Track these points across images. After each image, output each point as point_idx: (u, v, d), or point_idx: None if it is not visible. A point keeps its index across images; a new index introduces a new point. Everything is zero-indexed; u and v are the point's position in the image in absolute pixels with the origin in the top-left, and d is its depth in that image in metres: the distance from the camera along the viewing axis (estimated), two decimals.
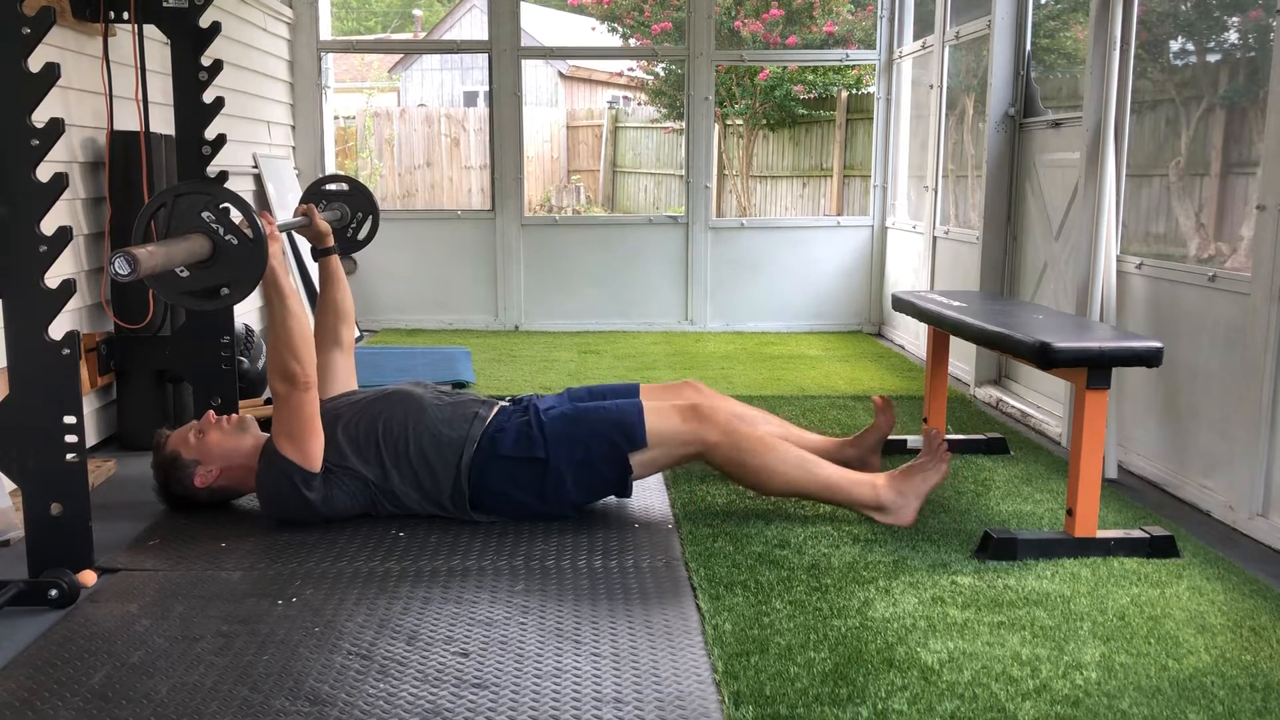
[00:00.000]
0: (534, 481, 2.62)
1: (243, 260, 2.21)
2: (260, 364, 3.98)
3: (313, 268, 5.27)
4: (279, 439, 2.54)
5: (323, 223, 3.06)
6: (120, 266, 1.92)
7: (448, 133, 13.92)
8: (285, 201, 5.29)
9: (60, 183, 2.17)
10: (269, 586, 2.28)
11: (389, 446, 2.62)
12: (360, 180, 3.41)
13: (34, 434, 2.20)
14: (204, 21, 3.21)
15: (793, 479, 2.67)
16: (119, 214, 3.31)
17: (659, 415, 2.65)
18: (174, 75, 3.19)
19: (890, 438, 3.34)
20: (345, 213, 3.35)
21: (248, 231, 2.21)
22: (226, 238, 2.19)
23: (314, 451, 2.55)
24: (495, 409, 2.73)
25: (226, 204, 2.20)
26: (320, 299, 3.07)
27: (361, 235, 3.42)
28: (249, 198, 5.00)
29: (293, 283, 2.44)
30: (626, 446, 2.62)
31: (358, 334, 5.37)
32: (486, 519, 2.70)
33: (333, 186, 3.38)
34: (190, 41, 3.18)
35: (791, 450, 2.68)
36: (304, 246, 5.26)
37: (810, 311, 6.20)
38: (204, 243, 2.17)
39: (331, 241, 3.10)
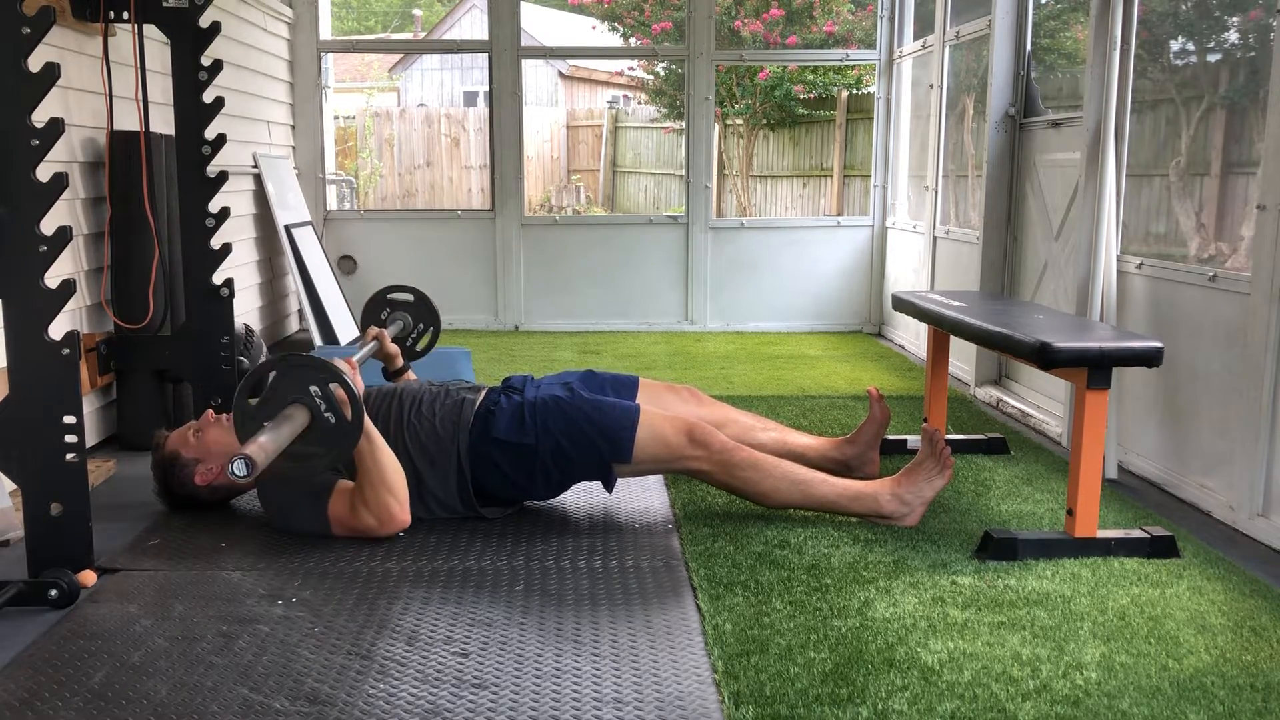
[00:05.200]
0: (524, 464, 2.62)
1: (336, 438, 2.28)
2: (260, 362, 3.98)
3: (321, 275, 5.27)
4: (335, 522, 2.52)
5: (391, 345, 3.14)
6: (239, 470, 1.98)
7: (448, 133, 13.92)
8: (285, 201, 5.29)
9: (60, 183, 2.17)
10: (269, 586, 2.28)
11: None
12: (422, 291, 3.50)
13: (34, 434, 2.20)
14: (204, 21, 3.21)
15: (790, 501, 2.68)
16: (119, 214, 3.32)
17: (651, 433, 2.60)
18: (174, 75, 3.19)
19: (890, 437, 3.35)
20: (407, 324, 3.45)
21: (347, 412, 2.27)
22: (326, 414, 2.26)
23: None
24: (483, 392, 2.73)
25: (334, 382, 2.26)
26: None
27: (420, 346, 3.49)
28: (249, 198, 5.00)
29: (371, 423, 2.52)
30: (610, 457, 2.61)
31: (356, 335, 5.37)
32: (493, 512, 2.70)
33: (396, 295, 3.46)
34: (190, 41, 3.18)
35: (788, 473, 2.66)
36: (318, 257, 5.27)
37: (810, 311, 6.20)
38: (304, 417, 2.24)
39: (401, 361, 3.17)
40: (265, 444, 2.07)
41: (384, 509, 2.48)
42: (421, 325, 3.48)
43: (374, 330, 3.17)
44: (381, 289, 3.50)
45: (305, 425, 2.24)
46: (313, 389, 2.26)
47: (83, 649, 1.99)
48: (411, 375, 3.21)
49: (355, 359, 2.73)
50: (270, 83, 5.43)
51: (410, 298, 3.46)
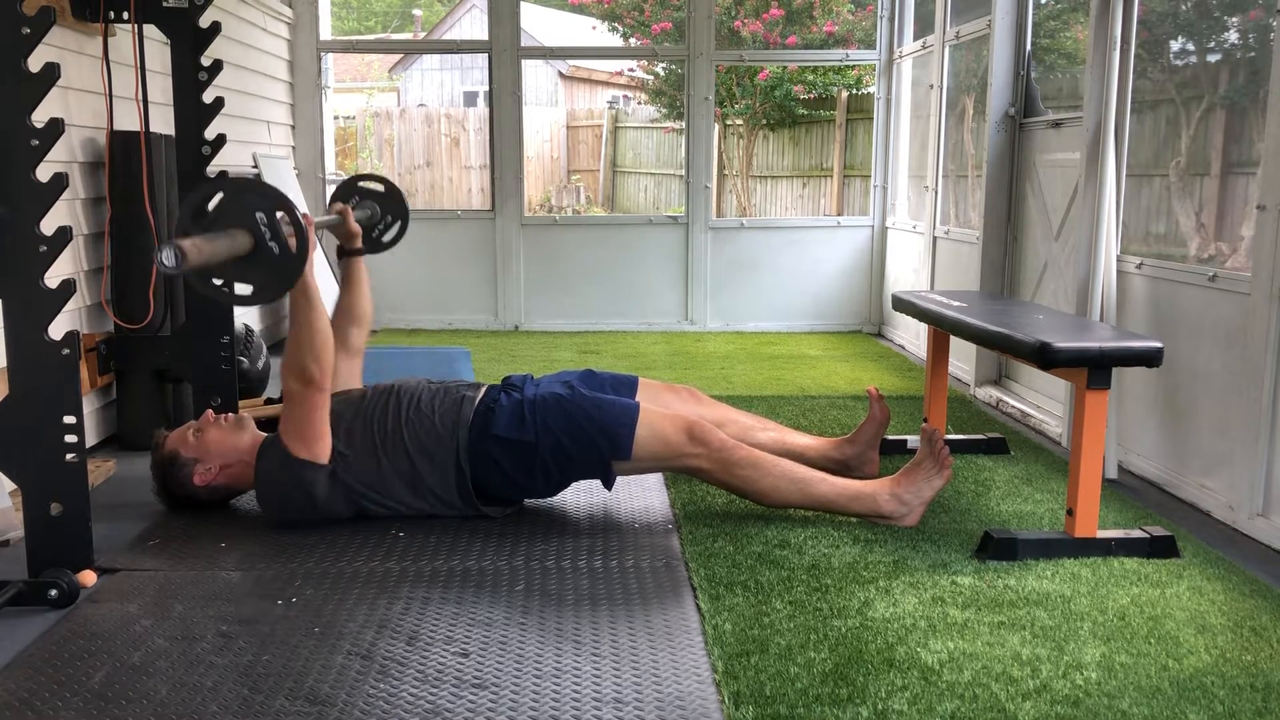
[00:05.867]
0: (523, 462, 2.62)
1: (277, 269, 2.20)
2: (260, 364, 3.98)
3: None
4: (289, 439, 2.53)
5: (354, 224, 3.04)
6: (167, 259, 1.92)
7: (448, 133, 13.92)
8: None
9: (60, 183, 2.17)
10: (269, 586, 2.28)
11: (384, 443, 2.61)
12: (394, 184, 3.40)
13: (34, 434, 2.20)
14: (204, 21, 3.21)
15: (789, 500, 2.68)
16: (119, 214, 3.32)
17: (651, 430, 2.60)
18: (174, 75, 3.19)
19: (890, 438, 3.35)
20: (375, 213, 3.32)
21: (291, 245, 2.20)
22: (270, 244, 2.18)
23: (323, 451, 2.56)
24: (483, 389, 2.73)
25: (282, 211, 2.19)
26: (340, 300, 3.05)
27: (387, 238, 3.38)
28: None
29: (318, 283, 2.48)
30: (610, 454, 2.61)
31: None
32: (494, 511, 2.71)
33: (368, 184, 3.35)
34: (190, 41, 3.18)
35: (787, 472, 2.66)
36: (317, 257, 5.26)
37: (810, 311, 6.20)
38: (247, 241, 2.15)
39: (360, 244, 3.07)
40: (200, 244, 2.00)
41: (303, 372, 2.47)
42: (389, 218, 3.36)
43: (339, 205, 3.06)
44: (353, 175, 3.39)
45: (248, 250, 2.15)
46: (259, 215, 2.16)
47: (83, 649, 1.99)
48: (361, 265, 3.08)
49: (314, 221, 2.65)
50: (270, 83, 5.43)
51: (381, 188, 3.35)
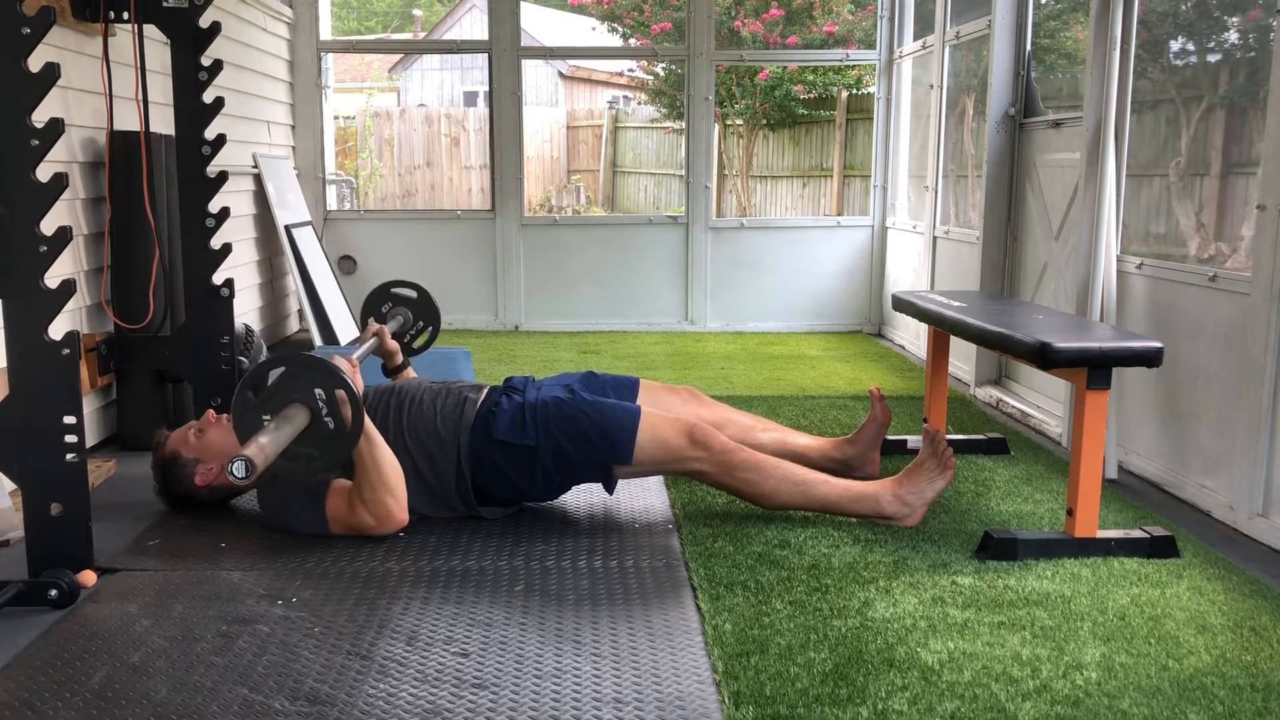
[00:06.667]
0: (524, 466, 2.62)
1: (333, 442, 2.29)
2: (266, 358, 3.99)
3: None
4: (335, 521, 2.53)
5: (391, 342, 3.15)
6: (238, 471, 1.99)
7: (448, 133, 13.92)
8: (285, 201, 5.29)
9: (60, 183, 2.17)
10: (269, 586, 2.28)
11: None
12: (425, 289, 3.53)
13: (34, 434, 2.20)
14: (204, 21, 3.21)
15: (790, 502, 2.67)
16: (119, 214, 3.32)
17: (652, 435, 2.60)
18: (174, 75, 3.19)
19: (890, 437, 3.35)
20: (407, 319, 3.45)
21: (346, 422, 2.28)
22: (326, 419, 2.27)
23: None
24: (485, 391, 2.73)
25: (338, 387, 2.27)
26: None
27: (417, 344, 3.49)
28: (249, 198, 5.00)
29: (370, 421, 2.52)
30: (611, 459, 2.61)
31: (357, 334, 5.37)
32: (493, 512, 2.70)
33: (399, 290, 3.48)
34: (190, 41, 3.18)
35: (788, 474, 2.65)
36: (318, 257, 5.26)
37: (810, 311, 6.20)
38: (304, 417, 2.24)
39: (401, 358, 3.18)
40: (265, 445, 2.08)
41: (382, 508, 2.48)
42: (421, 323, 3.49)
43: (374, 326, 3.17)
44: (385, 283, 3.52)
45: (304, 427, 2.25)
46: (317, 392, 2.27)
47: (83, 649, 1.99)
48: (411, 372, 3.21)
49: (355, 357, 2.73)
50: (270, 83, 5.43)
51: (413, 294, 3.48)
